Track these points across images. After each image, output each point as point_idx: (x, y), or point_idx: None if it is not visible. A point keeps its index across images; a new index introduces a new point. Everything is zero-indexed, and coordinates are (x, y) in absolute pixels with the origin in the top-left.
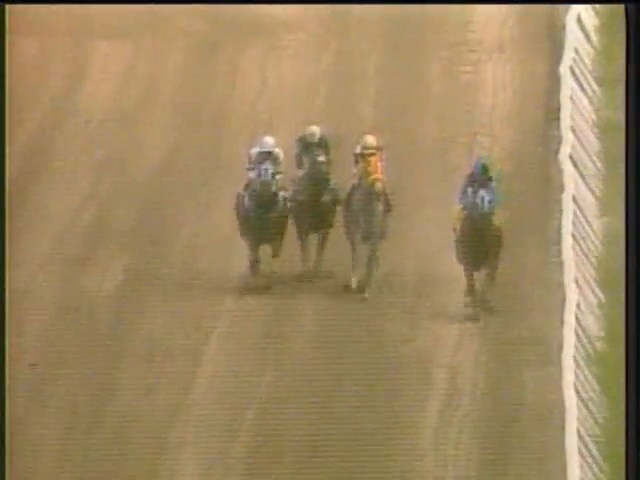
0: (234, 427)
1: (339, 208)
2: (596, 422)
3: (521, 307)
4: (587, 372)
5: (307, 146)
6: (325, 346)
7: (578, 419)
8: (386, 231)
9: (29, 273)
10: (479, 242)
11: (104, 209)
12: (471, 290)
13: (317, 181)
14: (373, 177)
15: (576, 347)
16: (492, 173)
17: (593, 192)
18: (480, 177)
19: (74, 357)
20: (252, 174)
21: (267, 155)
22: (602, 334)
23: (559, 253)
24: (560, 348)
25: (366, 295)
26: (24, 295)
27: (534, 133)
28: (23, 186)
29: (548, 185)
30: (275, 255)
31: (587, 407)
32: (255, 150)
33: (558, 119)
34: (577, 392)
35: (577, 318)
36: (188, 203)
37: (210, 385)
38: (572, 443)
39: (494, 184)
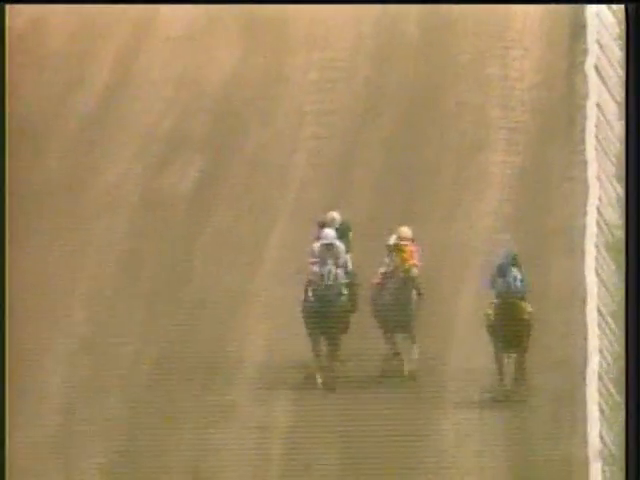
0: (295, 310)
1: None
2: (613, 300)
3: (547, 201)
4: (606, 256)
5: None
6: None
7: (598, 297)
8: (419, 319)
9: (116, 173)
10: (511, 327)
11: (181, 118)
12: (502, 374)
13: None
14: (409, 263)
15: (597, 235)
16: (520, 261)
17: (614, 98)
18: (509, 266)
19: (155, 247)
20: (315, 269)
21: (329, 247)
22: (620, 223)
23: (583, 153)
24: (583, 236)
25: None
26: (113, 192)
27: (562, 46)
28: (111, 98)
29: (574, 93)
30: (334, 350)
31: (606, 287)
32: (317, 244)
33: (585, 34)
34: (597, 274)
35: (598, 210)
36: (254, 113)
37: (273, 271)
38: (593, 318)
39: (522, 272)
